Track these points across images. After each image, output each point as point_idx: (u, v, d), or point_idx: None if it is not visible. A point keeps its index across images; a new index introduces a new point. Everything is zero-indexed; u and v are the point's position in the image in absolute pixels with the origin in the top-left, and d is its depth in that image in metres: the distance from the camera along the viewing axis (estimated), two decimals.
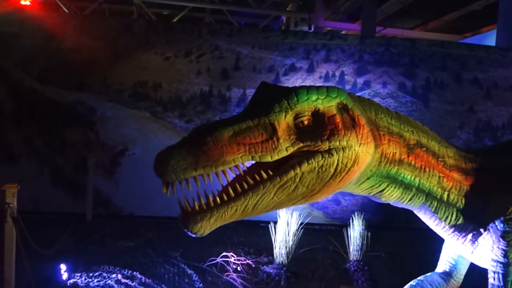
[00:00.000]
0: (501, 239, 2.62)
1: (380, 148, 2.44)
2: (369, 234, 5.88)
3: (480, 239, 2.75)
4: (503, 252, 2.60)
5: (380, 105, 2.61)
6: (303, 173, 2.17)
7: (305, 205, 7.58)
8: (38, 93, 7.34)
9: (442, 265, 3.23)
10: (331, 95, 2.27)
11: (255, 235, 6.88)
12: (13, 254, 4.22)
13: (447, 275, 3.16)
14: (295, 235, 5.78)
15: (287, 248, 5.73)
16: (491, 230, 2.68)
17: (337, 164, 2.23)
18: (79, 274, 5.25)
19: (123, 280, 5.18)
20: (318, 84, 6.69)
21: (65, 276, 5.12)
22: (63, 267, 5.15)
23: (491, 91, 7.76)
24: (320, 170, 2.20)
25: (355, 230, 5.89)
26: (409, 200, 2.68)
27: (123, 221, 7.19)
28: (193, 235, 2.06)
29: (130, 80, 7.45)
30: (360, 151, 2.29)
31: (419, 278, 3.17)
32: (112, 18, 11.06)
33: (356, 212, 6.01)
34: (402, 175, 2.57)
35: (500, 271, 2.61)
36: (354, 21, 16.41)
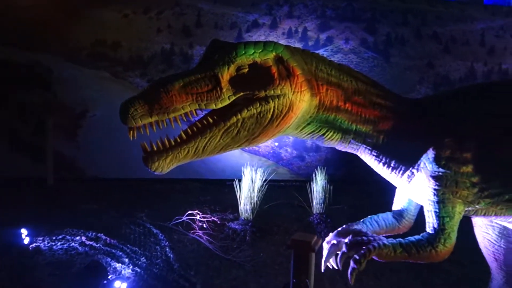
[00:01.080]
0: (431, 179, 2.76)
1: (317, 97, 2.67)
2: (331, 187, 6.02)
3: (414, 179, 2.89)
4: (434, 191, 2.74)
5: (323, 58, 2.79)
6: (244, 118, 2.46)
7: (270, 162, 7.69)
8: None
9: (395, 206, 3.36)
10: (267, 49, 2.52)
11: (221, 193, 6.94)
12: None
13: (399, 215, 3.32)
14: (259, 191, 5.87)
15: (252, 204, 5.82)
16: (422, 170, 2.82)
17: (273, 110, 2.49)
18: (41, 238, 5.19)
19: (88, 242, 5.16)
20: (282, 41, 6.64)
21: (26, 240, 5.05)
22: (24, 231, 5.08)
23: (449, 45, 7.88)
24: (258, 116, 2.48)
25: (318, 185, 6.02)
26: (349, 143, 2.90)
27: (87, 184, 7.11)
28: (154, 172, 2.37)
29: (88, 39, 7.19)
30: (294, 99, 2.54)
31: (374, 215, 3.29)
32: None
33: (319, 167, 6.12)
34: (339, 120, 2.79)
35: (433, 209, 2.75)
36: None
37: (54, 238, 5.23)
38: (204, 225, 5.70)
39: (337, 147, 2.97)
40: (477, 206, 2.86)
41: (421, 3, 7.97)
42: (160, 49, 7.30)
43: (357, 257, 2.57)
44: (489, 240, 3.63)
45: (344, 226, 2.99)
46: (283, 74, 2.54)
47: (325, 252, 2.90)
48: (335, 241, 2.86)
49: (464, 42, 7.88)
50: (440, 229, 2.69)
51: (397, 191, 3.36)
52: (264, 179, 5.97)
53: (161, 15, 7.27)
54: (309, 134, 2.83)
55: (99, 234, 5.34)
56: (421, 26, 7.77)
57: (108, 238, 5.27)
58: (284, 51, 2.58)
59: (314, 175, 6.11)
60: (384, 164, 2.94)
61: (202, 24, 7.35)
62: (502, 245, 3.57)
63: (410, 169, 2.89)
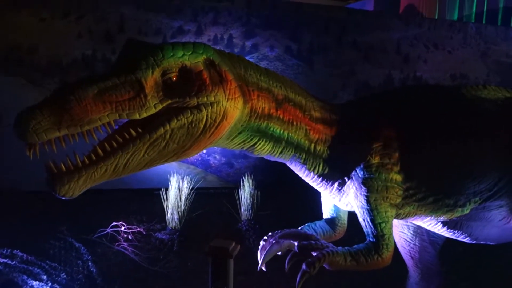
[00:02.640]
0: (362, 186, 2.81)
1: (249, 104, 2.51)
2: (259, 193, 6.07)
3: (345, 187, 2.94)
4: (366, 198, 2.79)
5: (249, 62, 2.67)
6: (173, 129, 2.20)
7: (198, 170, 7.62)
8: None
9: (326, 215, 3.43)
10: (197, 51, 2.28)
11: (148, 203, 6.76)
12: None
13: (332, 223, 3.37)
14: (187, 199, 5.80)
15: (180, 213, 5.74)
16: (353, 178, 2.87)
17: (206, 119, 2.27)
18: None
19: (1, 260, 4.84)
20: None
21: None
22: None
23: (368, 53, 8.24)
24: (190, 126, 2.23)
25: (246, 191, 6.05)
26: (280, 153, 2.81)
27: (2, 197, 6.66)
28: (62, 198, 2.05)
29: (1, 43, 6.75)
30: (228, 106, 2.34)
31: (311, 223, 3.34)
32: None
33: (246, 174, 6.15)
34: (271, 129, 2.67)
35: (368, 217, 2.80)
36: None
37: None
38: (130, 237, 5.54)
39: (266, 157, 2.88)
40: (406, 210, 2.97)
41: (341, 12, 8.28)
42: (81, 55, 7.01)
43: (310, 261, 2.56)
44: (405, 239, 3.83)
45: (286, 230, 2.97)
46: (215, 79, 2.32)
47: (262, 252, 2.88)
48: (275, 241, 2.85)
49: (382, 50, 8.27)
50: (380, 236, 2.75)
51: (323, 199, 3.43)
52: (191, 187, 5.91)
53: (81, 20, 6.98)
54: (239, 144, 2.68)
55: (15, 250, 5.02)
56: (342, 35, 8.07)
57: (24, 255, 4.97)
58: (215, 54, 2.39)
59: (242, 181, 6.13)
60: (314, 173, 2.95)
61: (125, 30, 7.15)
62: (417, 243, 3.78)
63: (341, 177, 2.94)
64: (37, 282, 4.47)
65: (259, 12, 7.67)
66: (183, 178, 5.90)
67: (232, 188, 7.44)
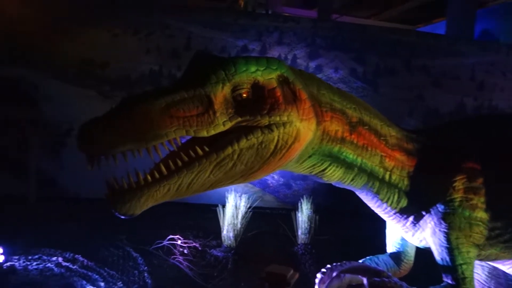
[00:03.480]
0: (442, 221, 2.57)
1: (322, 125, 2.33)
2: (317, 217, 5.90)
3: (422, 221, 2.70)
4: (445, 236, 2.54)
5: (322, 80, 2.50)
6: (242, 149, 2.04)
7: (256, 189, 7.57)
8: None
9: (390, 248, 3.18)
10: (271, 66, 2.13)
11: (204, 218, 6.80)
12: None
13: (397, 258, 3.10)
14: (243, 218, 5.74)
15: (235, 231, 5.69)
16: (432, 212, 2.63)
17: (277, 140, 2.10)
18: (17, 257, 5.01)
19: (64, 263, 4.99)
20: None
21: (1, 258, 4.87)
22: None
23: (439, 79, 7.93)
24: (259, 146, 2.07)
25: (303, 214, 5.91)
26: (351, 180, 2.59)
27: (68, 203, 6.94)
28: (122, 217, 1.90)
29: (76, 56, 7.14)
30: (301, 127, 2.17)
31: (373, 256, 3.12)
32: None
33: (305, 196, 6.02)
34: (344, 154, 2.48)
35: (447, 257, 2.54)
36: (310, 8, 16.41)
37: (30, 257, 5.05)
38: (185, 251, 5.55)
39: (335, 184, 2.66)
40: (488, 251, 2.69)
41: (410, 35, 8.05)
42: (149, 70, 7.26)
43: None
44: (478, 280, 3.48)
45: (345, 262, 2.74)
46: (288, 98, 2.14)
47: (320, 285, 2.68)
48: (336, 275, 2.66)
49: (454, 76, 7.93)
50: (461, 279, 2.50)
51: (388, 231, 3.21)
52: (248, 205, 5.86)
53: (150, 36, 7.26)
54: (308, 168, 2.47)
55: (77, 255, 5.17)
56: (410, 58, 7.83)
57: (85, 260, 5.10)
58: (289, 71, 2.22)
59: (300, 204, 6.00)
60: (387, 204, 2.72)
61: (191, 47, 7.33)
62: (492, 286, 3.43)
63: (418, 210, 2.70)
64: None
65: (324, 33, 7.61)
66: (240, 196, 5.86)
67: (289, 209, 7.32)
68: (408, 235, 2.87)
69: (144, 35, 7.21)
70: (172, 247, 5.59)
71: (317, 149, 2.39)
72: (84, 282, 4.68)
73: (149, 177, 1.92)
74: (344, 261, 2.78)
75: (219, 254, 5.55)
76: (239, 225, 5.71)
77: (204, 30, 7.33)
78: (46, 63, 7.06)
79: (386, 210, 2.75)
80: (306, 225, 5.90)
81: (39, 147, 6.92)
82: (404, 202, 2.69)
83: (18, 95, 7.05)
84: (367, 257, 3.04)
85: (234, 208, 5.74)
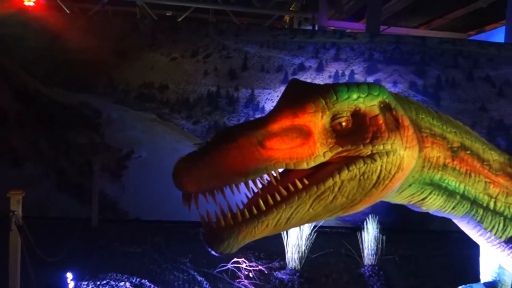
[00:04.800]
0: None
1: (423, 152, 2.21)
2: (384, 237, 5.69)
3: None
4: None
5: (419, 104, 2.40)
6: (343, 181, 1.94)
7: None
8: (42, 95, 7.20)
9: (485, 276, 2.99)
10: (373, 93, 2.04)
11: (264, 239, 6.69)
12: (18, 263, 4.06)
13: (493, 287, 2.93)
14: (308, 239, 5.60)
15: (300, 252, 5.56)
16: None
17: (381, 170, 1.99)
18: (86, 283, 5.08)
19: None
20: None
21: (71, 285, 4.95)
22: (69, 275, 4.99)
23: (503, 89, 7.58)
24: (361, 177, 1.96)
25: (370, 234, 5.71)
26: (452, 209, 2.45)
27: (129, 226, 7.04)
28: (218, 255, 1.84)
29: (136, 81, 7.30)
30: (405, 156, 2.05)
31: (466, 286, 2.93)
32: (117, 18, 10.91)
33: (370, 215, 5.82)
34: (446, 181, 2.33)
35: None
36: (358, 20, 16.23)
37: (98, 283, 5.10)
38: (250, 274, 5.47)
39: (432, 212, 2.52)
40: None
41: (472, 45, 7.75)
42: (207, 92, 7.31)
43: None
44: None
45: None
46: (391, 125, 2.04)
47: None
48: None
49: None
50: None
51: (482, 259, 3.03)
52: (312, 226, 5.72)
53: (208, 59, 7.32)
54: (408, 197, 2.34)
55: (143, 280, 5.18)
56: (472, 69, 7.52)
57: (152, 285, 5.10)
58: (390, 96, 2.11)
59: (365, 223, 5.80)
60: (492, 233, 2.55)
61: (248, 67, 7.35)
62: None
63: None
64: None
65: (382, 47, 7.45)
66: None
67: (350, 228, 7.14)
68: (507, 262, 2.68)
69: (202, 57, 7.29)
70: (236, 270, 5.53)
71: (418, 177, 2.25)
72: None
73: (246, 213, 1.84)
74: None
75: (284, 276, 5.43)
76: (303, 247, 5.57)
77: (261, 49, 7.33)
78: (108, 89, 7.26)
79: (490, 239, 2.58)
80: (373, 245, 5.69)
81: (101, 171, 7.07)
82: (510, 231, 2.52)
83: (81, 120, 7.27)
84: (461, 287, 2.85)
85: (298, 229, 5.61)
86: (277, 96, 7.27)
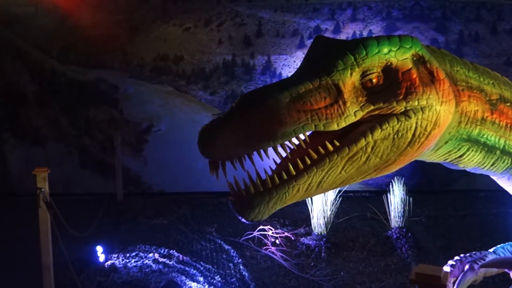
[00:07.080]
0: None
1: (460, 106, 2.09)
2: (410, 199, 5.60)
3: None
4: None
5: (453, 55, 2.26)
6: (376, 141, 1.84)
7: None
8: (59, 73, 7.21)
9: None
10: (405, 45, 1.91)
11: (289, 206, 6.65)
12: (49, 239, 4.12)
13: None
14: (333, 204, 5.56)
15: (325, 218, 5.53)
16: None
17: (416, 127, 1.88)
18: (115, 255, 5.18)
19: (161, 259, 5.08)
20: None
21: (102, 257, 5.04)
22: (99, 249, 5.07)
23: None
24: (395, 136, 1.86)
25: (396, 196, 5.63)
26: (492, 165, 2.35)
27: (154, 199, 7.10)
28: (249, 222, 1.77)
29: (150, 54, 7.23)
30: (441, 111, 1.93)
31: (504, 244, 2.82)
32: None
33: (395, 177, 5.72)
34: (485, 136, 2.23)
35: None
36: None
37: (128, 255, 5.19)
38: (277, 241, 5.48)
39: (470, 170, 2.42)
40: None
41: None
42: (222, 61, 7.21)
43: None
44: None
45: (475, 252, 2.50)
46: (425, 79, 1.91)
47: (452, 278, 2.46)
48: (469, 268, 2.43)
49: None
50: None
51: None
52: (337, 191, 5.65)
53: (221, 27, 7.18)
54: (444, 155, 2.24)
55: (171, 250, 5.26)
56: (497, 21, 7.23)
57: (180, 255, 5.17)
58: (423, 48, 1.98)
59: (391, 185, 5.72)
60: None
61: (263, 34, 7.20)
62: None
63: None
64: (195, 283, 4.56)
65: (400, 5, 7.18)
66: None
67: (373, 191, 7.07)
68: None
69: (215, 26, 7.15)
70: (262, 238, 5.55)
71: (455, 133, 2.15)
72: (183, 277, 4.73)
73: (276, 178, 1.76)
74: (474, 252, 2.53)
75: (310, 242, 5.43)
76: (329, 212, 5.53)
77: (275, 14, 7.15)
78: (123, 64, 7.21)
79: None
80: (399, 207, 5.62)
81: (122, 146, 7.10)
82: None
83: (99, 97, 7.27)
84: (498, 246, 2.76)
85: (323, 194, 5.57)
86: (294, 61, 7.13)
